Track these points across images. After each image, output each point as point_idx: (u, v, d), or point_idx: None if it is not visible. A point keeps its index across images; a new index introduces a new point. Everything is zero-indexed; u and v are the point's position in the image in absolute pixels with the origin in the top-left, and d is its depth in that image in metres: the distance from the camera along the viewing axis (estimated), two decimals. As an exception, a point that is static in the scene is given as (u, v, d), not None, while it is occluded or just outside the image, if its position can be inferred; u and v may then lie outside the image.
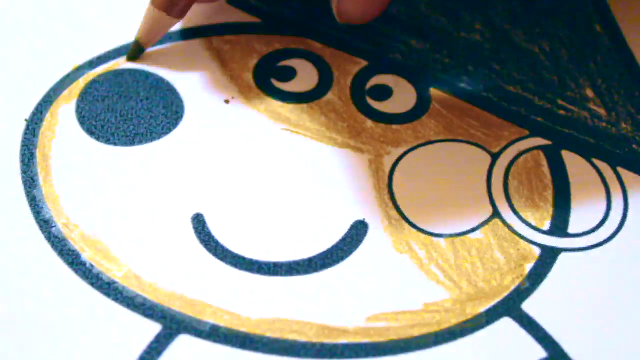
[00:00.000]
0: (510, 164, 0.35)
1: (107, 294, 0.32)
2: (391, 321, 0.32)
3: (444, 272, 0.33)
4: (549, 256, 0.33)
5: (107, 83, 0.37)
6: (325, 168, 0.35)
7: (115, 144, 0.35)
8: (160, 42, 0.38)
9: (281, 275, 0.32)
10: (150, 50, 0.38)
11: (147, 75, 0.37)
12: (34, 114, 0.36)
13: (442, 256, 0.33)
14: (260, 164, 0.35)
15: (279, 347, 0.31)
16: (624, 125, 0.37)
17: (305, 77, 0.37)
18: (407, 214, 0.34)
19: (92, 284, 0.32)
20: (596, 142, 0.36)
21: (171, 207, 0.34)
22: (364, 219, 0.34)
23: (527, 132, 0.36)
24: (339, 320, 0.32)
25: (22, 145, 0.35)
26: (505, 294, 0.32)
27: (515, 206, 0.34)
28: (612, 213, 0.34)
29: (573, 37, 0.39)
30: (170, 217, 0.33)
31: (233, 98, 0.37)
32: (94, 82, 0.37)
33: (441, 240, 0.33)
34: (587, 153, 0.36)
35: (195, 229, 0.33)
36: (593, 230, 0.34)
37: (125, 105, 0.36)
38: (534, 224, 0.34)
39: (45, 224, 0.33)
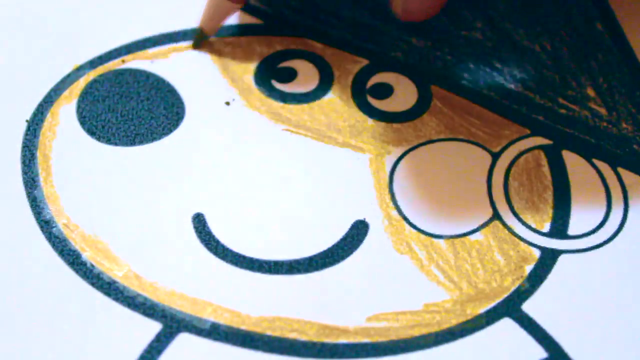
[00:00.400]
0: (511, 164, 0.35)
1: (108, 294, 0.32)
2: (391, 321, 0.32)
3: (444, 272, 0.33)
4: (548, 258, 0.33)
5: (108, 83, 0.37)
6: (325, 167, 0.35)
7: (116, 144, 0.35)
8: (161, 42, 0.38)
9: (282, 273, 0.32)
10: (151, 50, 0.38)
11: (148, 75, 0.37)
12: (34, 115, 0.36)
13: (442, 257, 0.33)
14: (261, 163, 0.35)
15: (279, 345, 0.31)
16: (624, 125, 0.36)
17: (306, 77, 0.37)
18: (407, 214, 0.34)
19: (93, 284, 0.32)
20: (597, 141, 0.36)
21: (171, 207, 0.34)
22: (365, 219, 0.34)
23: (528, 131, 0.36)
24: (340, 320, 0.32)
25: (23, 146, 0.35)
26: (506, 295, 0.32)
27: (516, 208, 0.34)
28: (612, 214, 0.34)
29: (574, 35, 0.39)
30: (171, 217, 0.33)
31: (234, 100, 0.37)
32: (94, 82, 0.37)
33: (441, 241, 0.33)
34: (587, 153, 0.36)
35: (196, 228, 0.33)
36: (593, 232, 0.34)
37: (126, 105, 0.36)
38: (533, 225, 0.34)
39: (46, 224, 0.33)
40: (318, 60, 0.38)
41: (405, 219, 0.34)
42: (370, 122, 0.36)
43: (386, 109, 0.37)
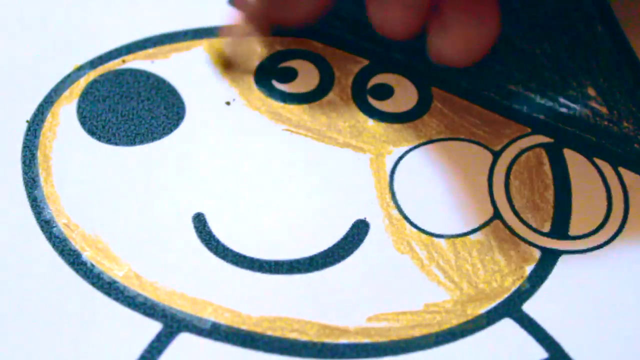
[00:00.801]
0: (512, 162, 0.35)
1: (108, 294, 0.32)
2: (392, 321, 0.32)
3: (444, 272, 0.33)
4: (549, 258, 0.33)
5: (108, 83, 0.37)
6: (326, 167, 0.35)
7: (116, 144, 0.35)
8: (161, 42, 0.38)
9: (282, 273, 0.32)
10: (151, 50, 0.38)
11: (148, 75, 0.37)
12: (35, 115, 0.36)
13: (443, 257, 0.33)
14: (261, 163, 0.35)
15: (280, 345, 0.31)
16: (625, 124, 0.36)
17: (306, 77, 0.37)
18: (408, 213, 0.34)
19: (93, 284, 0.32)
20: (598, 140, 0.36)
21: (172, 206, 0.34)
22: (365, 218, 0.34)
23: (528, 130, 0.36)
24: (340, 320, 0.32)
25: (24, 146, 0.35)
26: (506, 295, 0.32)
27: (516, 207, 0.34)
28: (612, 215, 0.34)
29: (574, 35, 0.39)
30: (171, 217, 0.33)
31: (234, 100, 0.37)
32: (95, 82, 0.37)
33: (442, 240, 0.33)
34: (588, 151, 0.36)
35: (196, 228, 0.33)
36: (593, 232, 0.34)
37: (126, 105, 0.36)
38: (534, 226, 0.34)
39: (46, 224, 0.33)
40: (318, 61, 0.38)
41: (406, 218, 0.34)
42: (370, 122, 0.36)
43: (386, 109, 0.37)
